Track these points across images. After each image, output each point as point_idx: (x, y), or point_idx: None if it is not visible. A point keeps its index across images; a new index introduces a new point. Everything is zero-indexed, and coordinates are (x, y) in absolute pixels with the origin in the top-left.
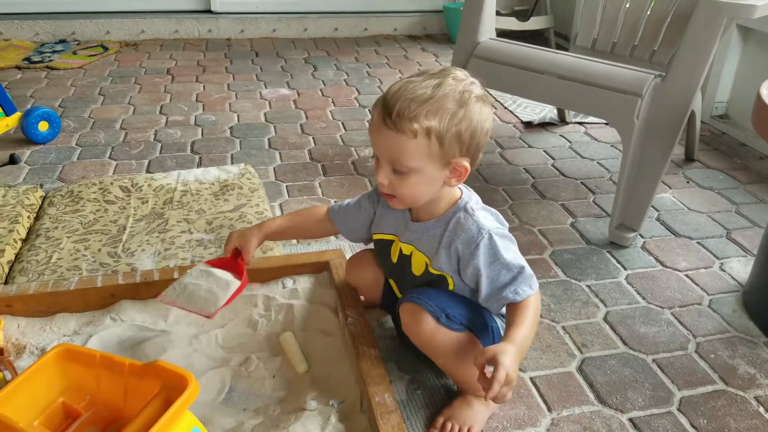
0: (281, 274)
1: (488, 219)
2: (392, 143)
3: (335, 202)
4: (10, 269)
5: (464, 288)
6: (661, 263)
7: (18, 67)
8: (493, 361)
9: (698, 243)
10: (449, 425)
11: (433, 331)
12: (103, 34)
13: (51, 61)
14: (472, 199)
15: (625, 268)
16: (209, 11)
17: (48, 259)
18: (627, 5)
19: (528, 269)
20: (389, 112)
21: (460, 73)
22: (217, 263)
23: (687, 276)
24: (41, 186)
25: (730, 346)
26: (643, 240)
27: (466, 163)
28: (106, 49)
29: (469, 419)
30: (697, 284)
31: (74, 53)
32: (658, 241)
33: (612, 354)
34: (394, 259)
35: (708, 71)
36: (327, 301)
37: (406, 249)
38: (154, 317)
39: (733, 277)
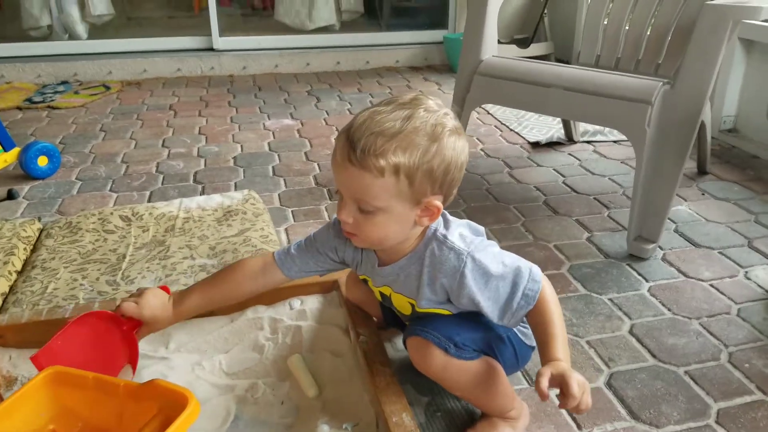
0: (288, 296)
1: (463, 236)
2: (357, 181)
3: None
4: (3, 301)
5: (465, 311)
6: (684, 274)
7: (19, 108)
8: (558, 379)
9: (720, 253)
10: None
11: (443, 365)
12: (105, 75)
13: (52, 101)
14: (440, 222)
15: (647, 280)
16: (211, 49)
17: (43, 290)
18: (627, 27)
19: (523, 264)
20: (353, 147)
21: (432, 103)
22: (101, 327)
23: (712, 285)
24: (39, 219)
25: (765, 355)
26: (663, 252)
27: (438, 203)
28: (108, 88)
29: None
30: (723, 293)
31: (76, 93)
32: (679, 252)
33: (641, 367)
34: (379, 297)
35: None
36: (337, 321)
37: (385, 290)
38: (154, 344)
39: (759, 285)
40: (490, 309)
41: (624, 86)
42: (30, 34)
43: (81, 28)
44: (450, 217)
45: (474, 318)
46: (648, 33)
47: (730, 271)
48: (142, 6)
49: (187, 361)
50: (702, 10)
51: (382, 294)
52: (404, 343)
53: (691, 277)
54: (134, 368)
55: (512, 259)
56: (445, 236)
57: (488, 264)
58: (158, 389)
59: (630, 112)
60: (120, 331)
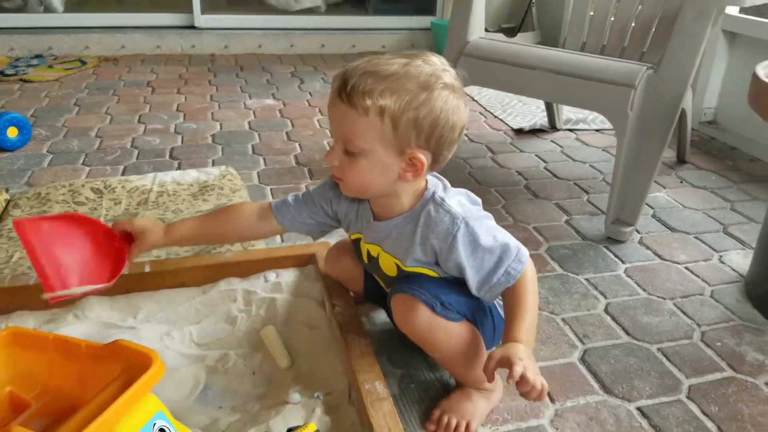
0: (263, 268)
1: (461, 203)
2: (344, 118)
3: None
4: None
5: (450, 277)
6: (660, 257)
7: None
8: (506, 364)
9: (696, 237)
10: (446, 418)
11: (429, 323)
12: (82, 50)
13: (25, 74)
14: (439, 186)
15: (623, 262)
16: (192, 27)
17: (8, 258)
18: (612, 18)
19: (513, 242)
20: (345, 84)
21: (435, 59)
22: (97, 235)
23: (687, 268)
24: (7, 190)
25: (736, 334)
26: (640, 235)
27: (423, 157)
28: (84, 63)
29: (468, 412)
30: (697, 276)
31: (50, 67)
32: (655, 236)
33: (615, 344)
34: (365, 259)
35: (697, 73)
36: (313, 295)
37: (373, 250)
38: (122, 314)
39: (733, 269)
40: (471, 278)
41: (608, 69)
42: (3, 5)
43: (57, 1)
44: (449, 185)
45: (460, 284)
46: (633, 24)
47: (705, 254)
48: None
49: (156, 332)
50: None
51: (369, 255)
52: (388, 302)
53: (667, 260)
54: (115, 278)
55: (503, 235)
56: (443, 199)
57: (480, 234)
58: (121, 350)
59: (613, 95)
60: (113, 247)
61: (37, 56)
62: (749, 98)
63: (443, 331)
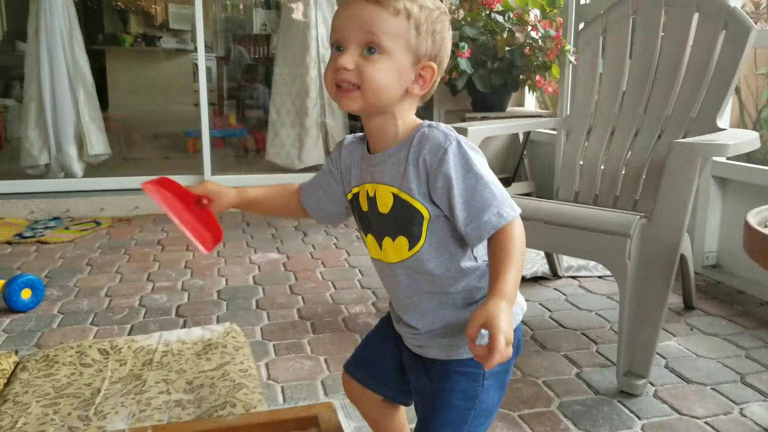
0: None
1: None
2: (371, 17)
3: (324, 359)
4: None
5: (442, 228)
6: (677, 411)
7: (9, 243)
8: (488, 327)
9: (713, 389)
10: None
11: None
12: (98, 211)
13: (42, 236)
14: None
15: (639, 418)
16: None
17: (13, 424)
18: (602, 167)
19: (507, 193)
20: None
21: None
22: (181, 205)
23: (707, 423)
24: (16, 352)
25: None
26: (654, 388)
27: (434, 66)
28: (98, 224)
29: None
30: None
31: (66, 228)
32: (671, 388)
33: None
34: (365, 207)
35: (695, 218)
36: None
37: (371, 190)
38: None
39: (756, 423)
40: (459, 207)
41: (602, 219)
42: (27, 172)
43: (77, 167)
44: None
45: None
46: (623, 172)
47: (725, 408)
48: (139, 148)
49: None
50: (671, 147)
51: (368, 199)
52: None
53: (685, 415)
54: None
55: (498, 181)
56: (438, 123)
57: (473, 159)
58: None
59: (609, 244)
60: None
61: (55, 218)
62: (744, 247)
63: None
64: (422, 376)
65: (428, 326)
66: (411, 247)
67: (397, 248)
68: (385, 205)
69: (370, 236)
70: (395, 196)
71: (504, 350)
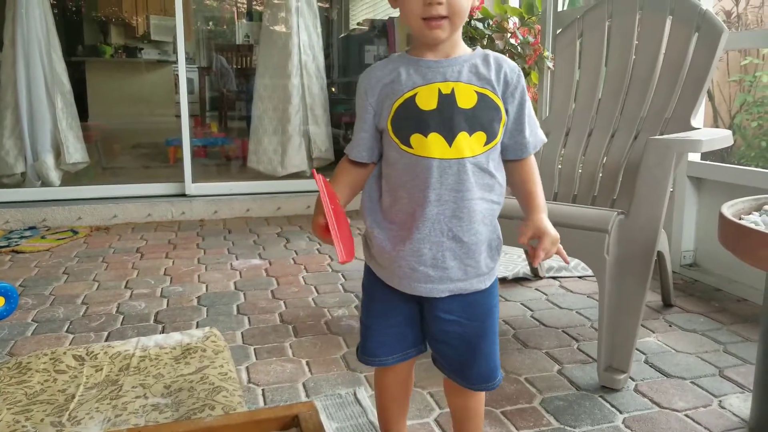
0: None
1: None
2: None
3: (306, 362)
4: None
5: (504, 135)
6: (658, 404)
7: None
8: (539, 235)
9: (692, 383)
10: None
11: None
12: (75, 220)
13: (17, 245)
14: None
15: (620, 412)
16: (183, 195)
17: None
18: (580, 171)
19: None
20: None
21: None
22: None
23: (687, 416)
24: None
25: None
26: (634, 383)
27: None
28: (75, 233)
29: None
30: (698, 423)
31: (42, 237)
32: (651, 383)
33: None
34: (431, 105)
35: (671, 217)
36: None
37: (445, 88)
38: None
39: (734, 414)
40: (527, 119)
41: (581, 216)
42: (3, 181)
43: (54, 176)
44: None
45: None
46: (600, 174)
47: (704, 400)
48: (118, 157)
49: None
50: (647, 144)
51: (440, 96)
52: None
53: (665, 408)
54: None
55: None
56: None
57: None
58: None
59: (588, 240)
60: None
61: (31, 228)
62: (719, 237)
63: None
64: (455, 313)
65: (474, 238)
66: (487, 142)
67: (472, 143)
68: (467, 100)
69: (433, 135)
70: (479, 93)
71: (551, 249)
